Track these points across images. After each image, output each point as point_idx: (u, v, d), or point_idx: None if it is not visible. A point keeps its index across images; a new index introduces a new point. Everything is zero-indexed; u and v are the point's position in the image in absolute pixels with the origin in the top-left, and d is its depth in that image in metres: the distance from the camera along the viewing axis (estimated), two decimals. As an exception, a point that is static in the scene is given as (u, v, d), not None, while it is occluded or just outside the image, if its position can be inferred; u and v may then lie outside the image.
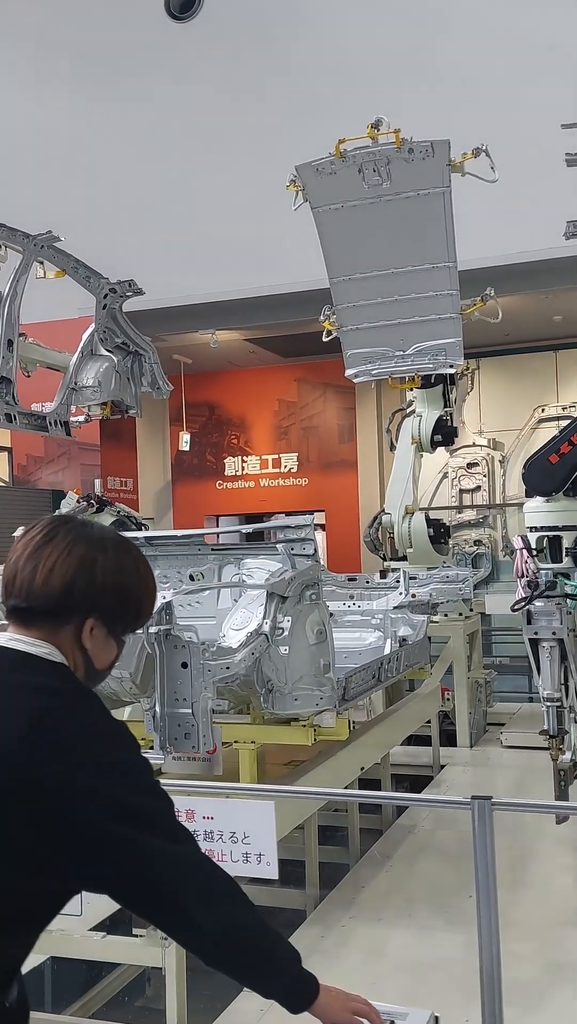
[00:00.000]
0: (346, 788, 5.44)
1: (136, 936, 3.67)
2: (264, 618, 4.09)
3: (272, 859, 2.55)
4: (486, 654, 10.92)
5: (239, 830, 2.55)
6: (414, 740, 8.32)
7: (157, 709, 3.79)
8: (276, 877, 2.62)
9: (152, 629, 3.78)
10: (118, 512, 8.88)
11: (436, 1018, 2.11)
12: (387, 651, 5.96)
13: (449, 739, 8.85)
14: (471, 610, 9.19)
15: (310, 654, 4.47)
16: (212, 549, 4.65)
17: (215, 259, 11.34)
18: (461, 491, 13.46)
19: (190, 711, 3.79)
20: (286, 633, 4.20)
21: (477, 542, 13.23)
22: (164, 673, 3.81)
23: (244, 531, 5.84)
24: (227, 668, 3.90)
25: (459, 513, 13.31)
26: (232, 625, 4.16)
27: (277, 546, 4.36)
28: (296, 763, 5.38)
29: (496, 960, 2.35)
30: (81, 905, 3.14)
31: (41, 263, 7.40)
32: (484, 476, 13.34)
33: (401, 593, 6.91)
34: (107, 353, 8.00)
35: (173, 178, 11.73)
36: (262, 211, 10.43)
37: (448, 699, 8.73)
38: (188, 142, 11.77)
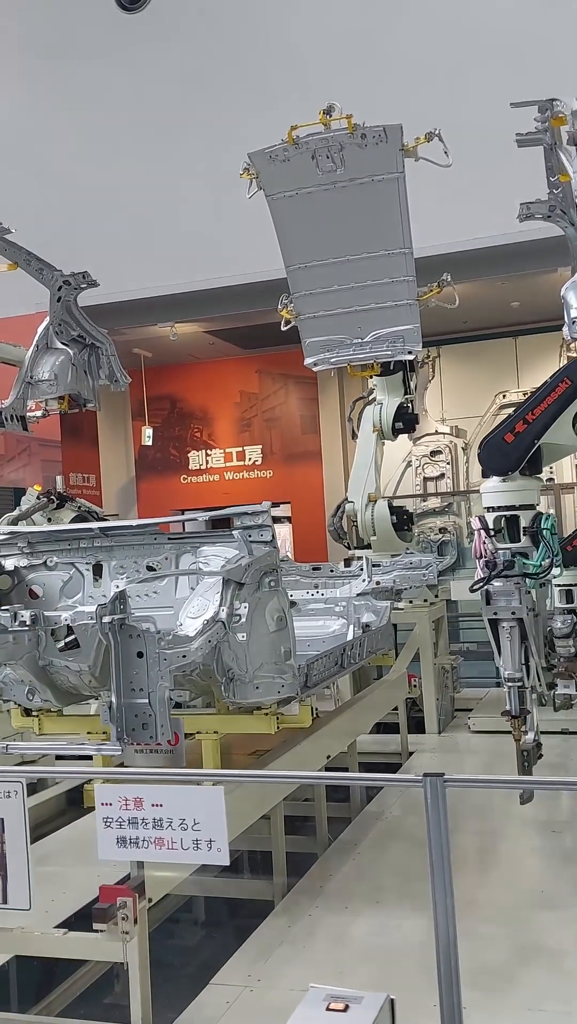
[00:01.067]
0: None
1: (96, 932, 3.60)
2: (220, 605, 4.04)
3: (223, 845, 2.50)
4: (453, 640, 10.93)
5: (189, 817, 2.51)
6: (382, 728, 8.29)
7: (113, 700, 3.72)
8: (227, 863, 2.57)
9: (106, 619, 3.72)
10: (79, 507, 8.80)
11: (392, 1000, 2.08)
12: (349, 637, 5.93)
13: (417, 726, 8.85)
14: (436, 596, 9.20)
15: (270, 641, 4.42)
16: (168, 538, 4.58)
17: (171, 251, 11.27)
18: (425, 479, 13.46)
19: (147, 701, 3.73)
20: (244, 620, 4.15)
21: (443, 529, 13.22)
22: (119, 663, 3.74)
23: (202, 519, 5.77)
24: (183, 656, 3.84)
25: (424, 501, 13.30)
26: (189, 613, 4.10)
27: (233, 533, 4.30)
28: (261, 752, 5.33)
29: (452, 941, 2.31)
30: (30, 898, 3.06)
31: (-8, 256, 7.33)
32: (447, 464, 13.34)
33: (364, 580, 6.89)
34: (63, 346, 7.92)
35: (126, 169, 11.64)
36: (217, 200, 10.38)
37: (415, 686, 8.72)
38: (140, 132, 11.69)
